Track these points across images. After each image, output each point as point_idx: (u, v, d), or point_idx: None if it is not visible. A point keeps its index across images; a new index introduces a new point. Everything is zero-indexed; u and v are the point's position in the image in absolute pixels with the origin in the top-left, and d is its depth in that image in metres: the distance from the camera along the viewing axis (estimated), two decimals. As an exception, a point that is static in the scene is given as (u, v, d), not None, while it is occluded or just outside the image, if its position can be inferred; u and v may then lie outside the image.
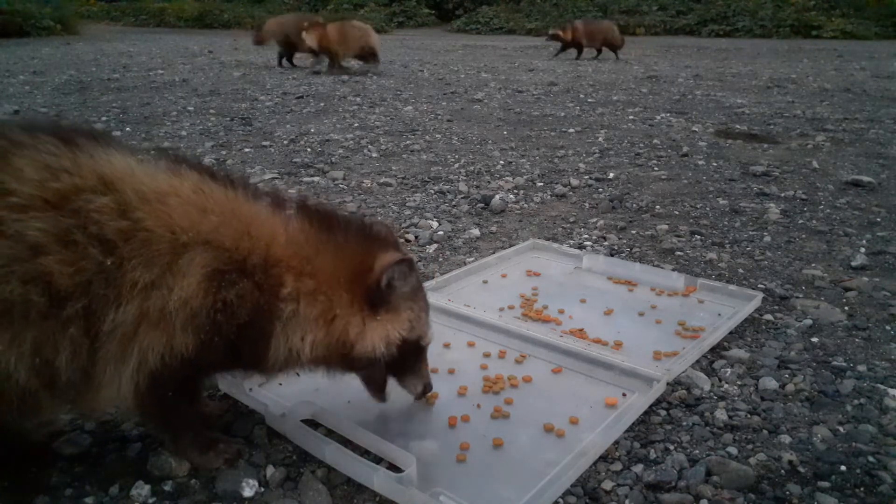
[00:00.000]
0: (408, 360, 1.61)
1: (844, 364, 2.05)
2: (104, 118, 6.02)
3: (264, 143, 5.18)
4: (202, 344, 1.36)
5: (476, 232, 3.28)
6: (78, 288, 1.25)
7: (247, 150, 4.95)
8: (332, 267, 1.46)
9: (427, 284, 2.50)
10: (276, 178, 4.16)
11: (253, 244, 1.39)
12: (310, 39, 9.45)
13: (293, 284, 1.42)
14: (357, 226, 1.56)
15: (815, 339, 2.22)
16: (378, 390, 1.66)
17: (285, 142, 5.23)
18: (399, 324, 1.52)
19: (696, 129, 5.84)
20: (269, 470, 1.55)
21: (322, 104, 7.06)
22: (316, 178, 4.18)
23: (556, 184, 4.12)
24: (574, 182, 4.15)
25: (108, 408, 1.47)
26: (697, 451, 1.65)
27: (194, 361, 1.37)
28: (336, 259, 1.47)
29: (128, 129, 5.60)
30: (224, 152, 4.86)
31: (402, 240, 3.12)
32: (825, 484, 1.53)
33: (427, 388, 1.69)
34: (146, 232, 1.29)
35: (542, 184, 4.16)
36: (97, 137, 1.37)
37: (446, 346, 2.13)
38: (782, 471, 1.58)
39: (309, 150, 4.98)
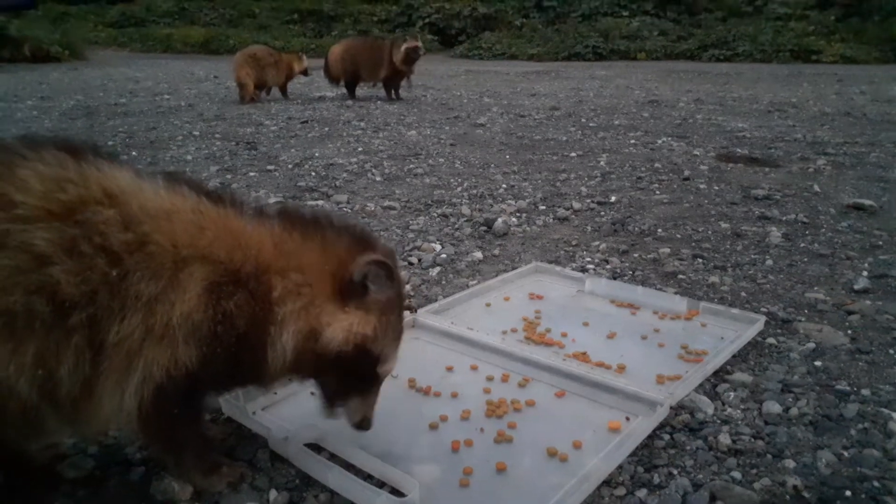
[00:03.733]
0: (359, 376, 1.56)
1: (848, 388, 2.05)
2: (111, 142, 6.08)
3: (269, 167, 5.22)
4: (205, 356, 1.37)
5: (479, 255, 3.29)
6: (84, 297, 1.26)
7: (252, 174, 4.99)
8: (320, 259, 1.49)
9: (430, 307, 2.52)
10: (281, 201, 4.19)
11: (244, 254, 1.42)
12: None
13: (281, 284, 1.44)
14: (346, 225, 1.59)
15: (818, 363, 2.22)
16: (329, 400, 1.61)
17: (290, 166, 5.27)
18: (364, 324, 1.49)
19: (698, 153, 5.87)
20: (272, 494, 1.55)
21: (326, 129, 7.12)
22: (320, 202, 4.21)
23: (559, 207, 4.14)
24: (576, 205, 4.17)
25: (109, 426, 1.46)
26: (701, 476, 1.64)
27: (198, 374, 1.39)
28: (324, 252, 1.50)
29: (134, 153, 5.66)
30: (229, 176, 4.90)
31: (405, 262, 3.13)
32: (830, 509, 1.52)
33: (366, 422, 1.61)
34: (152, 245, 1.32)
35: (544, 207, 4.18)
36: (102, 154, 1.40)
37: (449, 369, 2.13)
38: (787, 496, 1.57)
39: (313, 174, 5.02)
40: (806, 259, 3.25)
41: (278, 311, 1.44)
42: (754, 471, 1.66)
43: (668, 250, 3.36)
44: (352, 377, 1.55)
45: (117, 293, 1.28)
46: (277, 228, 1.51)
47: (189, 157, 5.53)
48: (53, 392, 1.29)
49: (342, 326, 1.47)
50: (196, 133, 6.68)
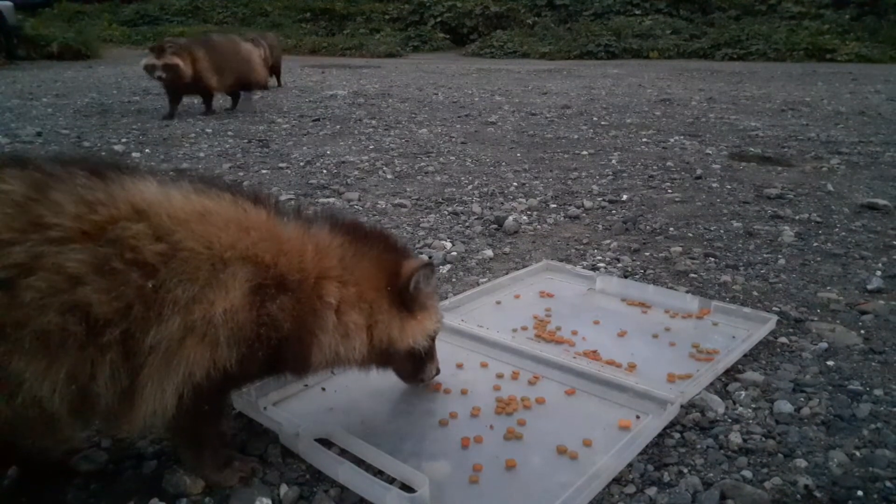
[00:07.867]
0: (431, 348, 1.80)
1: (861, 388, 2.04)
2: (124, 140, 6.12)
3: (281, 164, 5.24)
4: (244, 357, 1.40)
5: (489, 253, 3.30)
6: (117, 314, 1.27)
7: (264, 171, 5.02)
8: (372, 275, 1.58)
9: (440, 305, 2.52)
10: (293, 199, 4.20)
11: (289, 259, 1.45)
12: None
13: (337, 294, 1.51)
14: (380, 235, 1.71)
15: (830, 363, 2.20)
16: (412, 377, 1.87)
17: (301, 163, 5.29)
18: (433, 319, 1.73)
19: (710, 152, 5.84)
20: (283, 488, 1.56)
21: (338, 127, 7.14)
22: (331, 200, 4.22)
23: (570, 205, 4.14)
24: (587, 204, 4.16)
25: (145, 424, 1.46)
26: (712, 475, 1.64)
27: (237, 374, 1.42)
28: (374, 267, 1.59)
29: (147, 150, 5.70)
30: (241, 174, 4.93)
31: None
32: (842, 509, 1.51)
33: (438, 371, 1.90)
34: (186, 251, 1.33)
35: (555, 205, 4.17)
36: (123, 169, 1.41)
37: (459, 366, 2.14)
38: (798, 495, 1.57)
39: (325, 171, 5.04)
40: (819, 258, 3.23)
41: (328, 317, 1.50)
42: (765, 470, 1.66)
43: (679, 249, 3.35)
44: (425, 353, 1.77)
45: (153, 303, 1.29)
46: (320, 234, 1.56)
47: (202, 155, 5.57)
48: (89, 404, 1.31)
49: (419, 332, 1.68)
50: (209, 130, 6.72)
